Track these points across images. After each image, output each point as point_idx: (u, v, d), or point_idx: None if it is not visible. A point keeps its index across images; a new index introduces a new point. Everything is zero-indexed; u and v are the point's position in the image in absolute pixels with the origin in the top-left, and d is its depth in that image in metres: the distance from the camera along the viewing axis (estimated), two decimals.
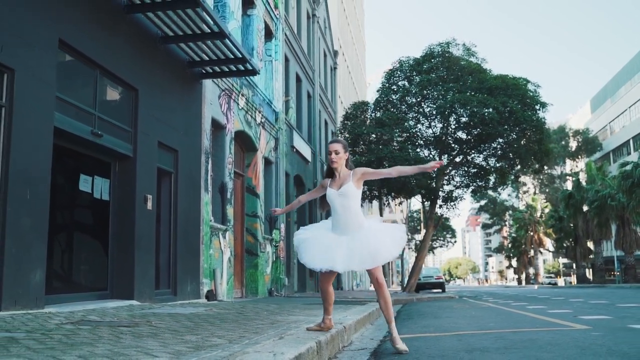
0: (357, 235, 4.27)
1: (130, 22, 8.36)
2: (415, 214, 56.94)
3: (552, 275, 59.95)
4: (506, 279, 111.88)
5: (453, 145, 21.30)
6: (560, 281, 64.69)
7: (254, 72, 10.96)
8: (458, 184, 22.87)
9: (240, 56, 10.09)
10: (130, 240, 8.15)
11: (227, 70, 10.88)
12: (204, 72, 10.82)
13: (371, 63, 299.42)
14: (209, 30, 9.04)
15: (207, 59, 10.20)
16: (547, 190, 62.57)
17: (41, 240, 6.10)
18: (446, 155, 21.91)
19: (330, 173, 4.54)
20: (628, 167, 32.21)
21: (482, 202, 65.84)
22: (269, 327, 4.75)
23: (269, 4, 16.09)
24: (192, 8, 8.13)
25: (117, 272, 8.06)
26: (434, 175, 21.07)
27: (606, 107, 62.67)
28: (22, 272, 5.78)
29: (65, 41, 6.73)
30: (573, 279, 58.03)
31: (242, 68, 10.79)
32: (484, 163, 21.86)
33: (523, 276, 67.89)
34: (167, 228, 9.59)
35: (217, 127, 12.04)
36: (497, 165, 21.52)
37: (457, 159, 22.02)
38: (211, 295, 10.75)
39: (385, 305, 4.31)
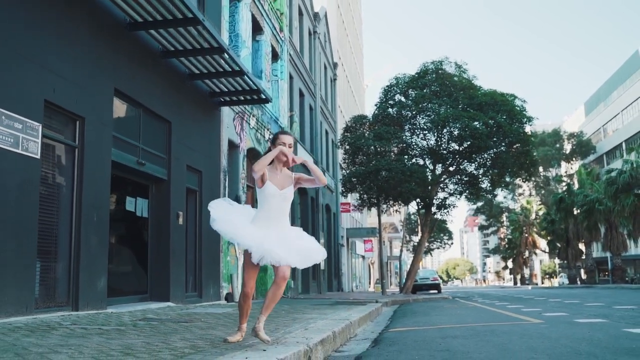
0: (284, 234, 3.93)
1: (164, 64, 9.81)
2: (413, 217, 58.38)
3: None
4: (503, 279, 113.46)
5: (446, 155, 22.82)
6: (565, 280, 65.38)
7: (267, 100, 12.43)
8: (452, 191, 24.37)
9: (255, 88, 11.56)
10: (165, 251, 9.61)
11: (243, 99, 12.34)
12: (223, 100, 12.28)
13: (368, 65, 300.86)
14: (230, 69, 10.50)
15: (226, 90, 11.66)
16: (542, 192, 64.01)
17: (104, 253, 7.57)
18: (440, 165, 23.43)
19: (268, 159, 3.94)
20: (613, 174, 33.73)
21: (479, 204, 67.13)
22: (292, 322, 6.20)
23: (275, 28, 17.57)
24: (219, 54, 9.59)
25: (155, 278, 9.52)
26: (429, 184, 22.57)
27: (600, 111, 64.04)
28: (92, 280, 7.24)
29: (118, 89, 8.19)
30: (565, 279, 59.36)
31: (256, 97, 12.26)
32: (475, 172, 23.36)
33: (519, 277, 69.51)
34: (193, 239, 11.05)
35: (232, 147, 13.50)
36: (488, 173, 23.01)
37: (451, 169, 23.53)
38: (229, 297, 12.19)
39: (273, 296, 3.92)
